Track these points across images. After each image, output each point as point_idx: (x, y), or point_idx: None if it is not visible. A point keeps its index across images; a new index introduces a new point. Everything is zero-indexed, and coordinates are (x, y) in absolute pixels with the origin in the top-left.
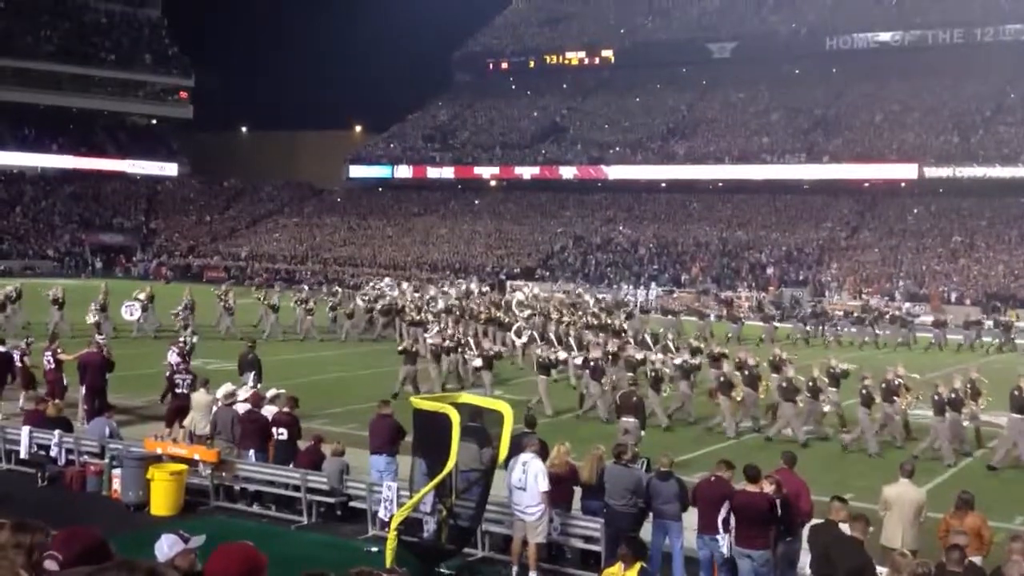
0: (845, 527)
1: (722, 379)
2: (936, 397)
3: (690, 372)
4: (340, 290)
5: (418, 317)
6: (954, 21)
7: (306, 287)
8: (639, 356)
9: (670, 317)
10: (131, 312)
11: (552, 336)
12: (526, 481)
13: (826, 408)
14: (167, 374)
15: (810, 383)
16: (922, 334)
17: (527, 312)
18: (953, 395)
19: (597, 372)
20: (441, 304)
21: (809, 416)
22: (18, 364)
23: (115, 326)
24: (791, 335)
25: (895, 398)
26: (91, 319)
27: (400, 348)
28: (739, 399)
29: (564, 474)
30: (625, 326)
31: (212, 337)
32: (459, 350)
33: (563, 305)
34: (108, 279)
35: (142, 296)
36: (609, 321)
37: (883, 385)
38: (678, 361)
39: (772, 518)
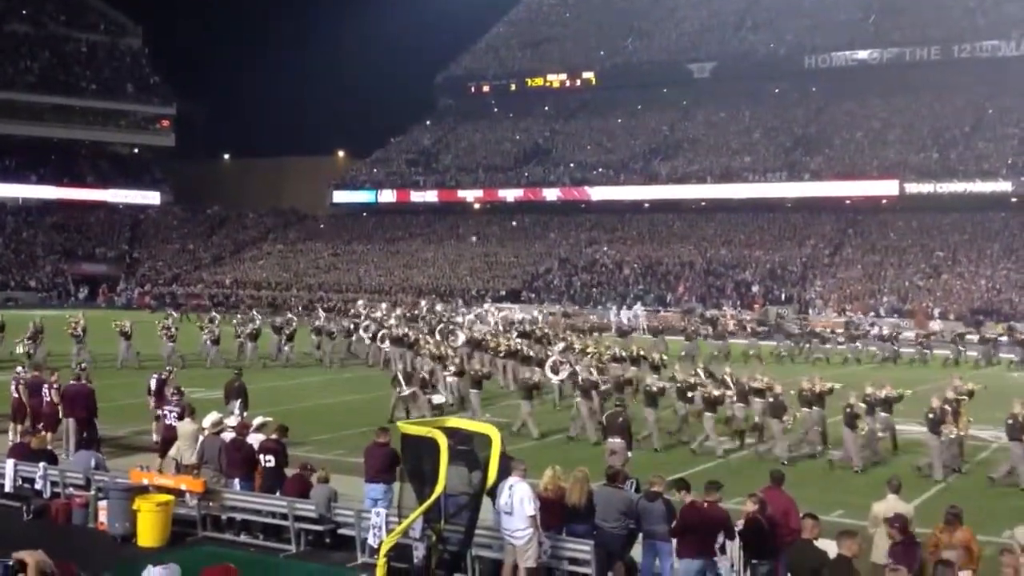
0: (822, 544)
1: (705, 397)
2: (932, 415)
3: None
4: (256, 314)
5: (437, 352)
6: (931, 38)
7: (216, 315)
8: (626, 375)
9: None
10: None
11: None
12: (512, 505)
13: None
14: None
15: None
16: (906, 350)
17: (561, 345)
18: (942, 410)
19: (586, 393)
20: (462, 338)
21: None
22: (15, 395)
23: None
24: (774, 351)
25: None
26: None
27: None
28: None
29: (556, 497)
30: (665, 359)
31: (197, 365)
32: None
33: (585, 334)
34: (91, 309)
35: None
36: (643, 353)
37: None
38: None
39: (721, 529)
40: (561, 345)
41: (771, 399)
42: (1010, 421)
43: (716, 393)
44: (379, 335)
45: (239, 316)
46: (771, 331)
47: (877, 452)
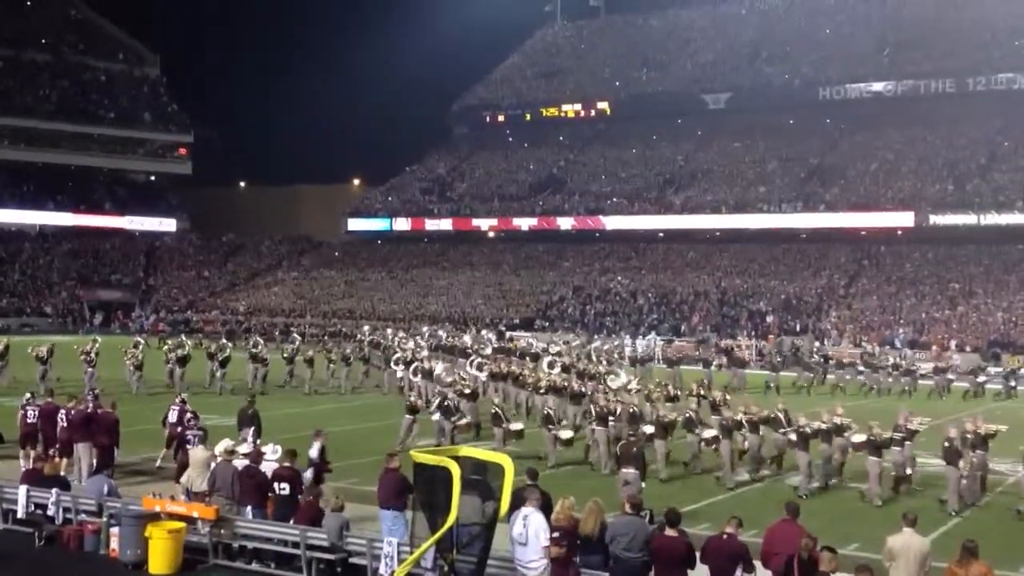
0: None
1: (871, 439)
2: (947, 444)
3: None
4: (186, 339)
5: (468, 391)
6: (946, 71)
7: (140, 340)
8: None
9: (672, 368)
10: None
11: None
12: (527, 535)
13: None
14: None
15: None
16: (924, 382)
17: (618, 383)
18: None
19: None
20: (484, 374)
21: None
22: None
23: None
24: (795, 382)
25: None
26: None
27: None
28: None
29: (568, 528)
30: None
31: (212, 392)
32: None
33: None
34: (105, 335)
35: None
36: (702, 392)
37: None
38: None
39: (689, 562)
40: (619, 383)
41: (945, 443)
42: (946, 444)
43: (885, 436)
44: (413, 367)
45: (170, 341)
46: (785, 362)
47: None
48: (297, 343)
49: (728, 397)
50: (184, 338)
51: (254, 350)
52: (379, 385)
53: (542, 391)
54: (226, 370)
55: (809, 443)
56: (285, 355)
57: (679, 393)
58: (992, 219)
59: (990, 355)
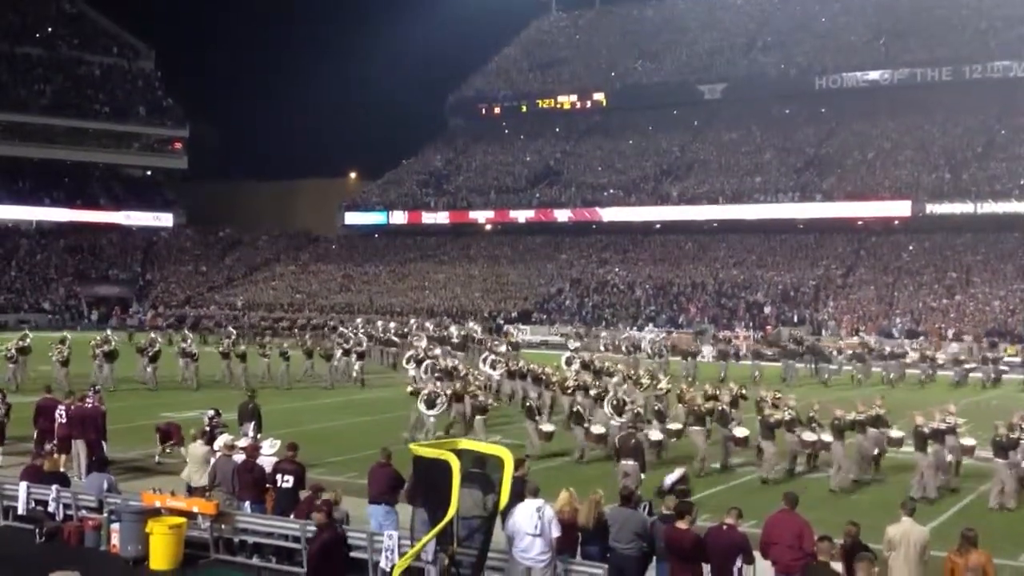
0: (837, 567)
1: (998, 440)
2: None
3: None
4: (112, 334)
5: (483, 398)
6: (942, 59)
7: (67, 335)
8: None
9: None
10: None
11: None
12: (543, 527)
13: None
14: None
15: None
16: (912, 371)
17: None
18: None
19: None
20: (497, 372)
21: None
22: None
23: None
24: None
25: None
26: None
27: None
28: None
29: (570, 520)
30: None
31: (211, 386)
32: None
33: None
34: (103, 330)
35: None
36: (743, 393)
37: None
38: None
39: (698, 555)
40: (616, 378)
41: None
42: (997, 439)
43: (1014, 436)
44: (425, 366)
45: (99, 336)
46: (800, 353)
47: None
48: (233, 337)
49: (779, 395)
50: (109, 333)
51: (183, 345)
52: (321, 376)
53: (569, 391)
54: (156, 365)
55: (927, 444)
56: (220, 350)
57: (717, 392)
58: (989, 208)
59: (987, 344)
